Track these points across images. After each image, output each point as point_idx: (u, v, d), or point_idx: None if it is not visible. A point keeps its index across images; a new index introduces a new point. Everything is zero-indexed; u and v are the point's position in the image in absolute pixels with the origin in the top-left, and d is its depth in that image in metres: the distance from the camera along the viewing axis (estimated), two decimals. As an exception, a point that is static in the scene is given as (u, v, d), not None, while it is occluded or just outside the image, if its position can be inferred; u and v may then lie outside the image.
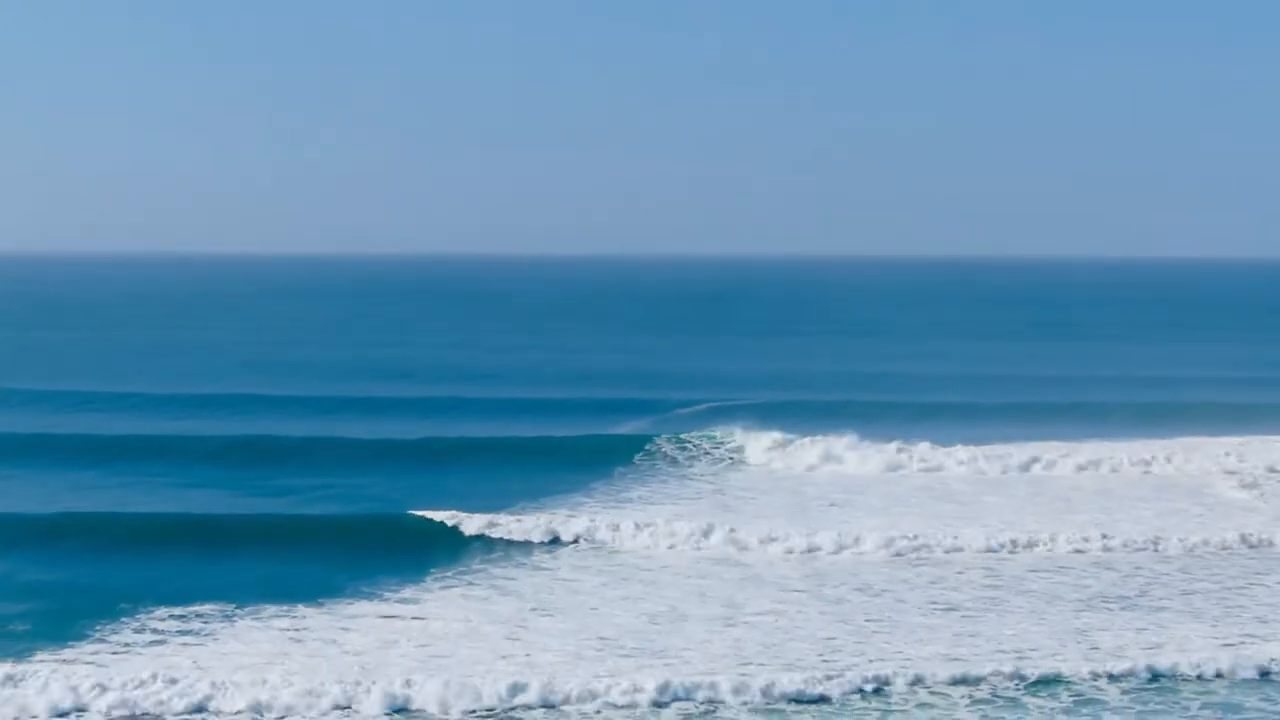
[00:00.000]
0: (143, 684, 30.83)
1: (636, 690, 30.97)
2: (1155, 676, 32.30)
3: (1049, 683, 31.89)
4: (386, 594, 39.01)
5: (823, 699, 30.96)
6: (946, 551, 43.87)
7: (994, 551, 43.87)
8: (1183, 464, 57.52)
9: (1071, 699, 31.25)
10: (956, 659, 33.37)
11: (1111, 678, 32.19)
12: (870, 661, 33.02)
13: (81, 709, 30.16)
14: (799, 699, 30.91)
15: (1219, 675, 32.41)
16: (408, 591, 39.32)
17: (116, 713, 30.05)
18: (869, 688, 31.42)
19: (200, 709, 30.22)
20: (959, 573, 41.94)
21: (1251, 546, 44.58)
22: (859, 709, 30.69)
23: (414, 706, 30.52)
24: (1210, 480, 55.39)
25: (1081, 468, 57.37)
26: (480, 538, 45.21)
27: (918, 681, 31.74)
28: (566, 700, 30.75)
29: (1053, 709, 30.75)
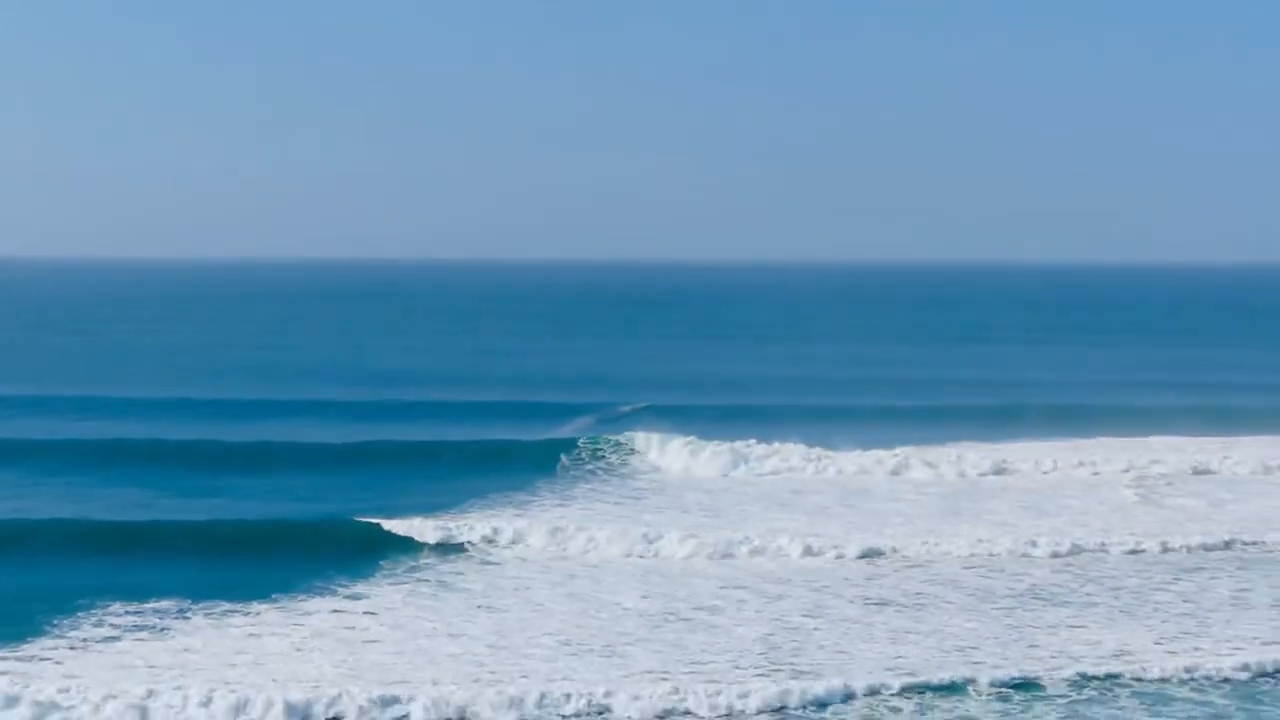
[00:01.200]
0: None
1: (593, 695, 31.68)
2: (1089, 673, 33.23)
3: (988, 680, 32.75)
4: (338, 590, 39.79)
5: (775, 700, 31.78)
6: (877, 553, 44.80)
7: (923, 552, 44.83)
8: (1103, 465, 58.82)
9: (1013, 691, 32.28)
10: (899, 657, 34.35)
11: (1047, 674, 33.16)
12: (810, 664, 33.87)
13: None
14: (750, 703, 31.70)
15: (1152, 671, 33.39)
16: (359, 588, 40.14)
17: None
18: (814, 685, 32.21)
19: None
20: (896, 570, 43.01)
21: (1181, 547, 45.70)
22: (805, 704, 31.62)
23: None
24: (1117, 481, 56.63)
25: (1006, 469, 58.58)
26: (427, 539, 45.74)
27: (858, 683, 32.44)
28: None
29: (989, 698, 31.83)
